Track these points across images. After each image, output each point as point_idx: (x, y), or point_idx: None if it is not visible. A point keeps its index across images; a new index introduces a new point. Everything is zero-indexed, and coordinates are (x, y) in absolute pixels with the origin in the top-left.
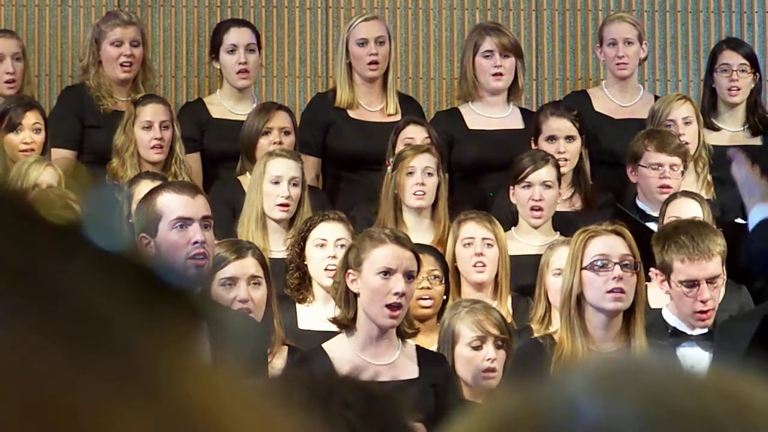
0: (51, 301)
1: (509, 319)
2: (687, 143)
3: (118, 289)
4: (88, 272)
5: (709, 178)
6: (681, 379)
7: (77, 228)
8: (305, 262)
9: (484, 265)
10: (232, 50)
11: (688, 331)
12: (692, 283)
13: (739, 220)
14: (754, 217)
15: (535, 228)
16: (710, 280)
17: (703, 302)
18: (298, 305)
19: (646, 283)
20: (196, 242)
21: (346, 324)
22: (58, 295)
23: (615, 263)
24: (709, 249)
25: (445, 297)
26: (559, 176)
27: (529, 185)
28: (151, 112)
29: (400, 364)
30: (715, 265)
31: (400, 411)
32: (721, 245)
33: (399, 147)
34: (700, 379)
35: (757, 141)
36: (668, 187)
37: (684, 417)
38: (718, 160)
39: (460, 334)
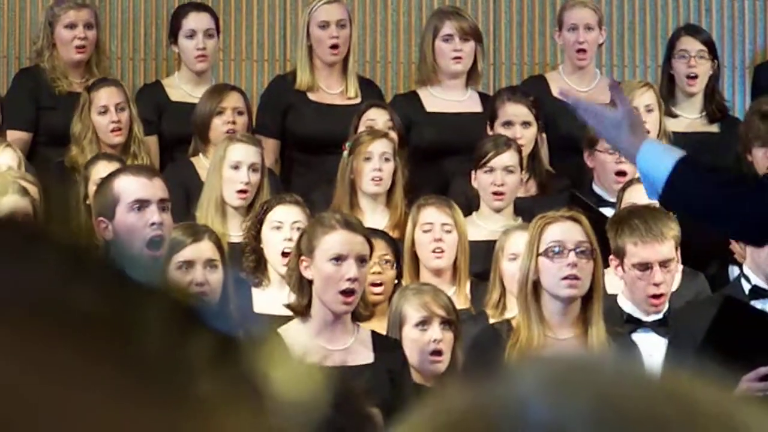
0: (91, 334)
1: (467, 305)
2: (648, 131)
3: (157, 325)
4: (125, 305)
5: None
6: (632, 380)
7: (107, 255)
8: (261, 245)
9: (442, 251)
10: (191, 35)
11: (643, 318)
12: (645, 266)
13: None
14: (657, 157)
15: (497, 211)
16: (663, 264)
17: (656, 285)
18: (253, 289)
19: (605, 269)
20: (153, 224)
21: (301, 310)
22: (96, 327)
23: (570, 250)
24: (662, 232)
25: (396, 281)
26: (521, 161)
27: (491, 170)
28: (105, 95)
29: (355, 350)
30: (668, 249)
31: (359, 399)
32: (675, 230)
33: (361, 130)
34: (652, 380)
35: (715, 128)
36: (624, 173)
37: (633, 420)
38: (677, 146)
39: (406, 315)
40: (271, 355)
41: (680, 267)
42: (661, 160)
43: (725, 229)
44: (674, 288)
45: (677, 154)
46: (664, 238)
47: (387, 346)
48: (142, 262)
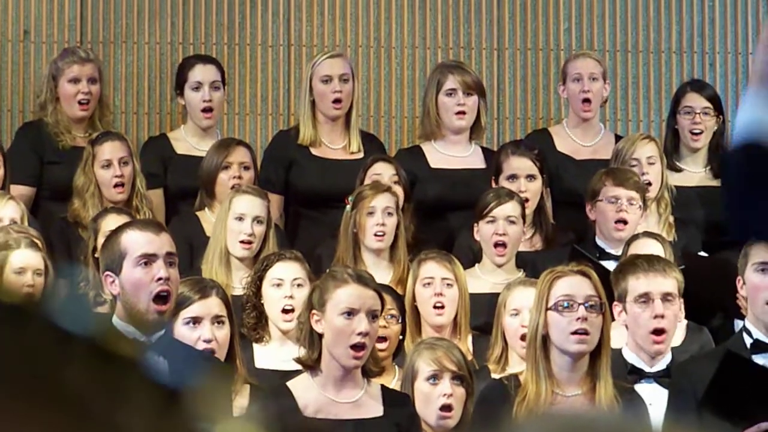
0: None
1: (469, 358)
2: (650, 183)
3: (89, 374)
4: (57, 357)
5: (671, 219)
6: None
7: (39, 309)
8: (262, 302)
9: (443, 306)
10: (197, 87)
11: (646, 368)
12: (646, 298)
13: (702, 253)
14: None
15: (499, 266)
16: (665, 297)
17: (657, 318)
18: (254, 345)
19: None
20: (160, 279)
21: (311, 364)
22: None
23: (580, 304)
24: (665, 270)
25: (401, 336)
26: (524, 213)
27: (493, 220)
28: (109, 149)
29: (364, 403)
30: (670, 283)
31: None
32: (677, 273)
33: (365, 184)
34: None
35: (718, 182)
36: (625, 222)
37: None
38: (680, 201)
39: (418, 369)
40: (214, 411)
41: (684, 321)
42: None
43: None
44: (678, 342)
45: None
46: (666, 274)
47: (397, 400)
48: (80, 315)
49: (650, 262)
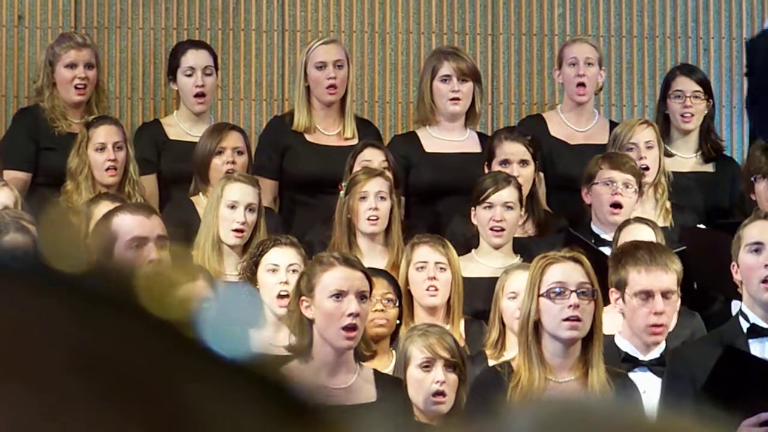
0: (173, 419)
1: (462, 344)
2: (647, 167)
3: (242, 405)
4: (210, 386)
5: (668, 204)
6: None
7: (192, 330)
8: (257, 287)
9: (436, 289)
10: (190, 73)
11: (640, 357)
12: (647, 294)
13: (702, 226)
14: None
15: (496, 248)
16: (665, 294)
17: (657, 315)
18: (250, 330)
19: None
20: (151, 261)
21: (302, 351)
22: (180, 412)
23: (572, 291)
24: (666, 264)
25: (398, 321)
26: (521, 197)
27: (491, 206)
28: (104, 133)
29: (357, 388)
30: (670, 280)
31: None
32: (678, 265)
33: (356, 170)
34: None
35: (710, 167)
36: (620, 205)
37: None
38: (675, 186)
39: (411, 355)
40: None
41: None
42: None
43: None
44: (670, 328)
45: None
46: (668, 269)
47: (389, 384)
48: (230, 337)
49: (652, 255)
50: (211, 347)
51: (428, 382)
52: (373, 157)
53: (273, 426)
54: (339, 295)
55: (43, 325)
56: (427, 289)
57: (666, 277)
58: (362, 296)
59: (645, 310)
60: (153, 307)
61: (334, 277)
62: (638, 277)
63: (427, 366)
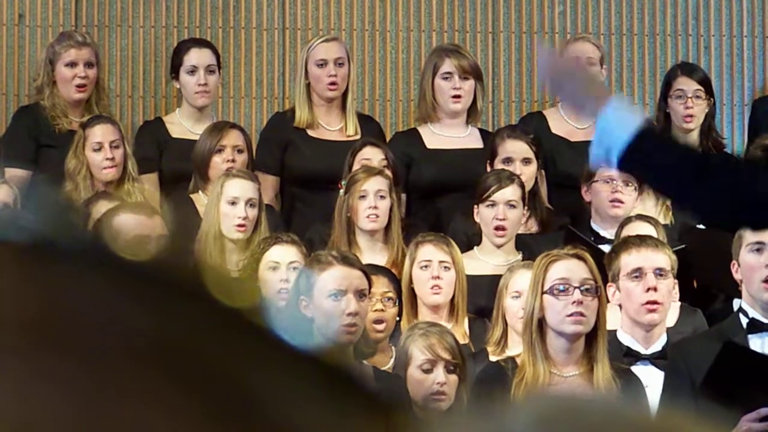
0: (241, 407)
1: (466, 341)
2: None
3: (311, 394)
4: (279, 374)
5: (668, 202)
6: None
7: (261, 317)
8: (258, 284)
9: (440, 288)
10: (193, 71)
11: (642, 350)
12: (639, 272)
13: (701, 226)
14: (614, 125)
15: (498, 247)
16: (658, 272)
17: (650, 290)
18: None
19: None
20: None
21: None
22: (248, 400)
23: (575, 287)
24: (656, 245)
25: (398, 318)
26: (524, 195)
27: (494, 204)
28: (100, 133)
29: None
30: (662, 259)
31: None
32: (670, 252)
33: (355, 168)
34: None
35: None
36: (620, 201)
37: None
38: None
39: (412, 356)
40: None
41: (678, 303)
42: (623, 121)
43: (687, 205)
44: (672, 324)
45: (640, 118)
46: (658, 250)
47: (389, 381)
48: (298, 325)
49: (642, 238)
50: (279, 335)
51: (429, 383)
52: (373, 155)
53: (340, 415)
54: (338, 294)
55: (106, 307)
56: (432, 288)
57: (657, 256)
58: (361, 295)
59: (638, 288)
60: (220, 294)
61: (332, 277)
62: (629, 259)
63: (428, 367)
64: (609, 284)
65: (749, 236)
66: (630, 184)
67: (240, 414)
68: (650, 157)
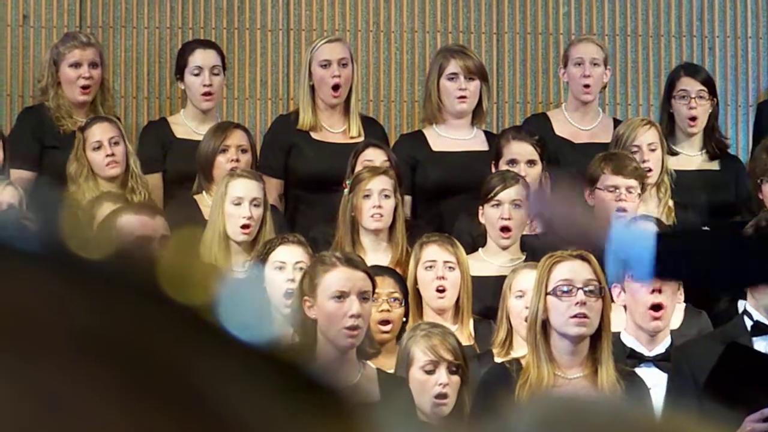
0: (187, 402)
1: (471, 343)
2: (650, 169)
3: (261, 390)
4: (228, 371)
5: (671, 203)
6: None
7: (212, 314)
8: (264, 285)
9: (445, 290)
10: (198, 72)
11: (645, 352)
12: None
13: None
14: (630, 237)
15: (504, 249)
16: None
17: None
18: None
19: None
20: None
21: (305, 351)
22: (194, 395)
23: (579, 288)
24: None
25: (404, 319)
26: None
27: (499, 204)
28: (98, 132)
29: (360, 387)
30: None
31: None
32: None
33: (358, 170)
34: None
35: (715, 165)
36: (624, 210)
37: None
38: (680, 185)
39: (414, 357)
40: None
41: (683, 305)
42: (635, 235)
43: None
44: (676, 326)
45: (650, 228)
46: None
47: (393, 383)
48: (254, 322)
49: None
50: (229, 331)
51: (431, 384)
52: (375, 156)
53: (292, 409)
54: (341, 296)
55: (53, 304)
56: (437, 290)
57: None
58: (364, 296)
59: (644, 290)
60: (171, 291)
61: (336, 278)
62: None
63: (430, 368)
64: (614, 285)
65: None
66: (633, 191)
67: (186, 409)
68: (683, 257)
